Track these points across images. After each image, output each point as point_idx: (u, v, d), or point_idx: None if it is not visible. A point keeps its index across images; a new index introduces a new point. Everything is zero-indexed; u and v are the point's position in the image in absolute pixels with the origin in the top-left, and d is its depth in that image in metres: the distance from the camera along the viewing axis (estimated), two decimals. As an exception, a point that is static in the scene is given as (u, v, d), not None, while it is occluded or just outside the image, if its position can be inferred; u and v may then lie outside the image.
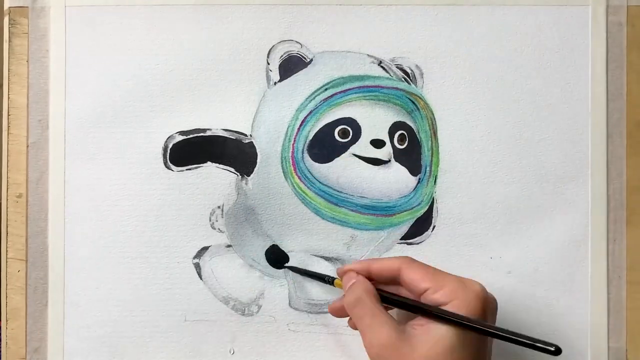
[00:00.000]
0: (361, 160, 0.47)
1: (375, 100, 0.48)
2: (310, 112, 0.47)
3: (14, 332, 0.47)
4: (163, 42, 0.48)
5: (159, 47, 0.48)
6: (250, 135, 0.48)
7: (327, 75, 0.48)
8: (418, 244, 0.47)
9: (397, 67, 0.48)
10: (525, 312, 0.47)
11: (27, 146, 0.48)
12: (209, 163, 0.48)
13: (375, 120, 0.47)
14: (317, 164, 0.47)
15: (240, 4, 0.48)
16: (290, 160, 0.47)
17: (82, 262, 0.47)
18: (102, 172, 0.48)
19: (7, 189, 0.48)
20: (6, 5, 0.48)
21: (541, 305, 0.47)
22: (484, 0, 0.48)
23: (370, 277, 0.41)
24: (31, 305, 0.47)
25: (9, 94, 0.48)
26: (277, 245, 0.48)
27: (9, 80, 0.48)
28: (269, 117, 0.47)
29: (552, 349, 0.35)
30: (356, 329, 0.40)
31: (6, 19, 0.48)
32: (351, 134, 0.47)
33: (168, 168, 0.47)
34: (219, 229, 0.48)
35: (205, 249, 0.47)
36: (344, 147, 0.47)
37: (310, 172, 0.47)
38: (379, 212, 0.47)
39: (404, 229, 0.48)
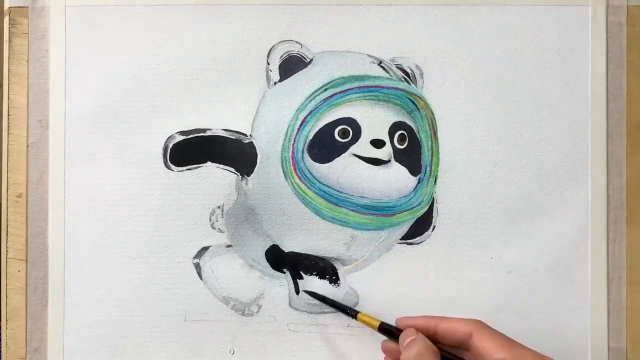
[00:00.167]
0: (361, 160, 0.47)
1: (375, 100, 0.48)
2: (310, 112, 0.47)
3: (14, 332, 0.47)
4: (163, 42, 0.48)
5: (159, 47, 0.48)
6: (250, 135, 0.48)
7: (327, 75, 0.48)
8: (418, 244, 0.47)
9: (397, 67, 0.48)
10: (525, 312, 0.47)
11: (27, 146, 0.48)
12: (209, 163, 0.48)
13: (375, 120, 0.47)
14: (317, 164, 0.47)
15: (240, 4, 0.48)
16: (290, 160, 0.47)
17: (82, 262, 0.47)
18: (102, 172, 0.48)
19: (7, 189, 0.48)
20: (6, 5, 0.48)
21: (541, 305, 0.47)
22: (484, 0, 0.48)
23: (432, 335, 0.40)
24: (31, 305, 0.47)
25: (9, 94, 0.48)
26: (277, 245, 0.48)
27: (9, 80, 0.48)
28: (269, 117, 0.47)
29: None
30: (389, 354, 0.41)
31: (6, 19, 0.48)
32: (351, 134, 0.47)
33: (168, 168, 0.47)
34: (219, 229, 0.48)
35: (205, 249, 0.47)
36: (344, 147, 0.47)
37: (310, 172, 0.47)
38: (379, 212, 0.47)
39: (404, 229, 0.48)
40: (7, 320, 0.47)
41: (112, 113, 0.48)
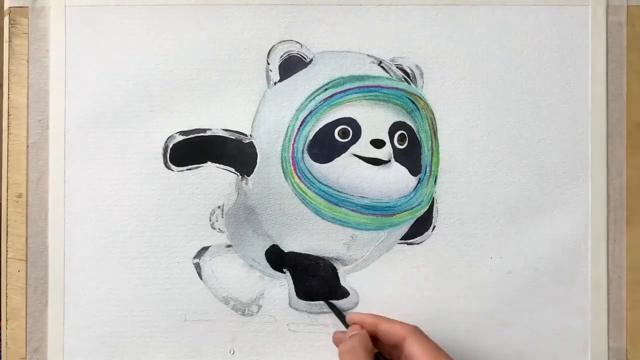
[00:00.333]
0: (361, 160, 0.47)
1: (375, 100, 0.48)
2: (310, 112, 0.47)
3: (14, 332, 0.47)
4: (163, 42, 0.48)
5: (159, 47, 0.48)
6: (250, 135, 0.48)
7: (327, 75, 0.48)
8: (418, 244, 0.47)
9: (397, 67, 0.48)
10: (525, 312, 0.47)
11: (27, 146, 0.48)
12: (209, 163, 0.48)
13: (375, 120, 0.47)
14: (317, 164, 0.47)
15: (240, 4, 0.48)
16: (290, 160, 0.47)
17: (82, 262, 0.47)
18: (102, 172, 0.48)
19: (7, 189, 0.48)
20: (6, 5, 0.48)
21: (541, 305, 0.47)
22: (484, 0, 0.48)
23: (374, 335, 0.42)
24: (31, 305, 0.47)
25: (9, 94, 0.48)
26: (277, 245, 0.48)
27: (9, 80, 0.48)
28: (269, 117, 0.47)
29: None
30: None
31: (6, 19, 0.48)
32: (351, 134, 0.47)
33: (168, 168, 0.47)
34: (219, 229, 0.48)
35: (205, 249, 0.47)
36: (344, 147, 0.47)
37: (310, 172, 0.47)
38: (379, 212, 0.47)
39: (404, 229, 0.48)
40: (7, 320, 0.47)
41: (112, 113, 0.48)
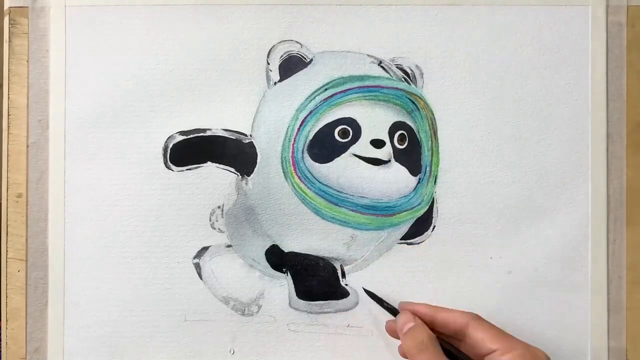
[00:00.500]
0: (361, 160, 0.47)
1: (375, 100, 0.48)
2: (310, 112, 0.47)
3: (14, 332, 0.47)
4: (163, 42, 0.48)
5: (159, 47, 0.48)
6: (250, 135, 0.48)
7: (327, 75, 0.48)
8: (418, 244, 0.47)
9: (397, 67, 0.48)
10: (525, 312, 0.47)
11: (27, 146, 0.48)
12: (209, 163, 0.48)
13: (375, 120, 0.47)
14: (317, 164, 0.47)
15: (240, 4, 0.48)
16: (290, 160, 0.47)
17: (82, 262, 0.47)
18: (102, 172, 0.48)
19: (7, 189, 0.48)
20: (6, 5, 0.48)
21: (541, 305, 0.47)
22: (484, 0, 0.48)
23: (431, 324, 0.42)
24: (31, 305, 0.47)
25: (9, 94, 0.48)
26: (277, 245, 0.48)
27: (9, 80, 0.48)
28: (269, 117, 0.47)
29: None
30: (394, 335, 0.43)
31: (6, 19, 0.48)
32: (351, 134, 0.47)
33: (168, 168, 0.47)
34: (219, 229, 0.48)
35: (205, 249, 0.47)
36: (344, 147, 0.47)
37: (310, 172, 0.47)
38: (379, 212, 0.47)
39: (404, 229, 0.48)
40: (7, 320, 0.47)
41: (112, 113, 0.48)
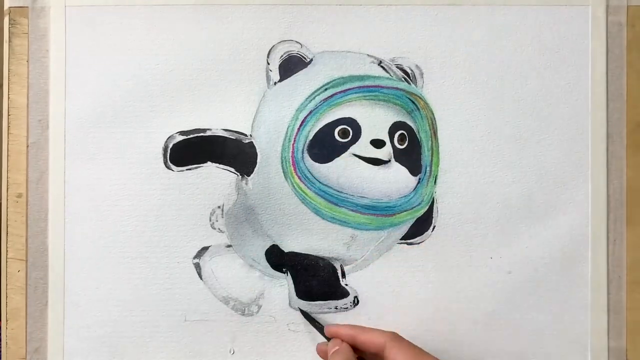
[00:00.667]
0: (361, 160, 0.47)
1: (375, 100, 0.48)
2: (310, 112, 0.47)
3: (14, 332, 0.47)
4: (163, 42, 0.48)
5: (159, 47, 0.48)
6: (250, 135, 0.48)
7: (327, 75, 0.48)
8: (418, 244, 0.47)
9: (397, 67, 0.48)
10: (525, 312, 0.47)
11: (27, 146, 0.48)
12: (209, 163, 0.48)
13: (375, 120, 0.47)
14: (317, 164, 0.47)
15: (240, 4, 0.48)
16: (290, 160, 0.47)
17: (82, 262, 0.47)
18: (102, 172, 0.48)
19: (7, 189, 0.48)
20: (6, 5, 0.48)
21: (541, 305, 0.47)
22: (484, 0, 0.48)
23: (354, 345, 0.42)
24: (31, 305, 0.47)
25: (9, 94, 0.48)
26: (277, 245, 0.48)
27: (9, 80, 0.48)
28: (269, 117, 0.47)
29: None
30: (324, 356, 0.43)
31: (6, 19, 0.48)
32: (351, 134, 0.47)
33: (168, 168, 0.47)
34: (219, 229, 0.48)
35: (205, 249, 0.47)
36: (344, 147, 0.47)
37: (310, 172, 0.47)
38: (379, 212, 0.47)
39: (404, 229, 0.48)
40: (7, 320, 0.47)
41: (112, 113, 0.48)
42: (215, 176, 0.48)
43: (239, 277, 0.48)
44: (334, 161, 0.47)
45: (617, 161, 0.48)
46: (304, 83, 0.48)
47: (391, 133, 0.47)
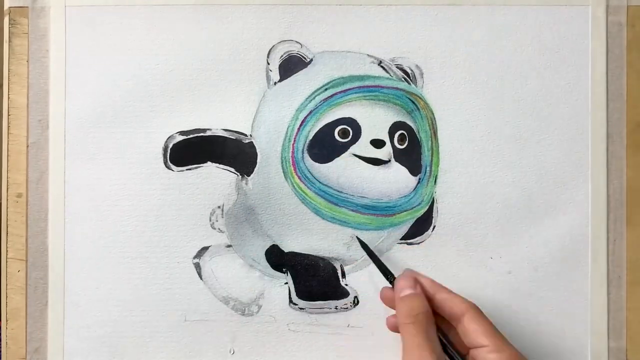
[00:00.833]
0: (361, 160, 0.47)
1: (375, 100, 0.48)
2: (310, 112, 0.47)
3: (14, 332, 0.47)
4: (163, 42, 0.48)
5: (159, 47, 0.48)
6: (250, 135, 0.48)
7: (327, 75, 0.48)
8: (418, 244, 0.47)
9: (397, 67, 0.48)
10: (525, 312, 0.47)
11: (27, 146, 0.48)
12: (209, 163, 0.48)
13: (375, 120, 0.47)
14: (317, 164, 0.47)
15: (240, 4, 0.48)
16: (290, 160, 0.47)
17: (82, 262, 0.47)
18: (102, 172, 0.48)
19: (7, 189, 0.48)
20: (6, 5, 0.48)
21: (541, 305, 0.47)
22: (484, 0, 0.48)
23: (429, 300, 0.40)
24: (31, 305, 0.47)
25: (9, 94, 0.48)
26: (277, 245, 0.48)
27: (9, 80, 0.48)
28: (269, 117, 0.47)
29: None
30: (395, 330, 0.41)
31: (6, 19, 0.48)
32: (351, 134, 0.47)
33: (168, 168, 0.47)
34: (219, 229, 0.48)
35: (205, 249, 0.47)
36: (344, 147, 0.47)
37: (310, 172, 0.47)
38: (379, 212, 0.47)
39: (404, 229, 0.48)
40: (7, 320, 0.47)
41: (112, 113, 0.48)
42: (215, 176, 0.48)
43: (239, 277, 0.48)
44: (334, 161, 0.47)
45: (617, 161, 0.48)
46: (304, 83, 0.48)
47: (391, 133, 0.47)
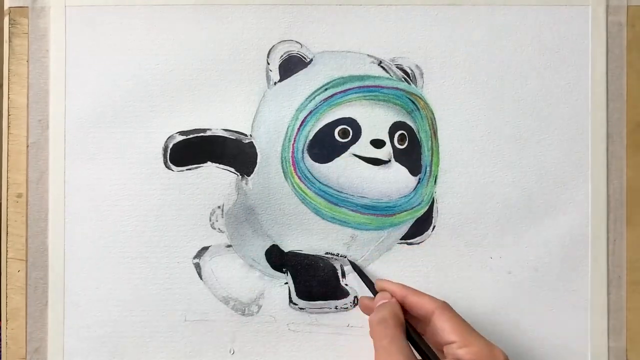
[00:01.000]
0: (361, 160, 0.47)
1: (375, 100, 0.48)
2: (310, 112, 0.47)
3: (14, 332, 0.47)
4: (163, 42, 0.48)
5: (159, 47, 0.48)
6: (250, 135, 0.48)
7: (327, 75, 0.48)
8: (418, 244, 0.47)
9: (397, 67, 0.48)
10: (525, 312, 0.47)
11: (27, 146, 0.48)
12: (209, 163, 0.48)
13: (375, 120, 0.47)
14: (317, 164, 0.47)
15: (240, 4, 0.48)
16: (290, 160, 0.47)
17: (82, 262, 0.47)
18: (102, 172, 0.48)
19: (7, 189, 0.48)
20: (6, 5, 0.48)
21: (541, 305, 0.47)
22: (484, 0, 0.48)
23: (401, 303, 0.42)
24: (31, 305, 0.47)
25: (9, 94, 0.48)
26: (277, 245, 0.48)
27: (9, 80, 0.48)
28: (269, 117, 0.47)
29: None
30: (366, 311, 0.43)
31: (6, 19, 0.48)
32: (351, 134, 0.47)
33: (168, 168, 0.47)
34: (219, 229, 0.48)
35: (205, 249, 0.47)
36: (344, 147, 0.47)
37: (310, 172, 0.47)
38: (379, 212, 0.47)
39: (404, 229, 0.48)
40: (7, 320, 0.47)
41: (112, 113, 0.48)
42: (215, 176, 0.48)
43: (239, 277, 0.48)
44: (334, 161, 0.47)
45: (617, 161, 0.48)
46: (304, 83, 0.48)
47: (391, 133, 0.47)
